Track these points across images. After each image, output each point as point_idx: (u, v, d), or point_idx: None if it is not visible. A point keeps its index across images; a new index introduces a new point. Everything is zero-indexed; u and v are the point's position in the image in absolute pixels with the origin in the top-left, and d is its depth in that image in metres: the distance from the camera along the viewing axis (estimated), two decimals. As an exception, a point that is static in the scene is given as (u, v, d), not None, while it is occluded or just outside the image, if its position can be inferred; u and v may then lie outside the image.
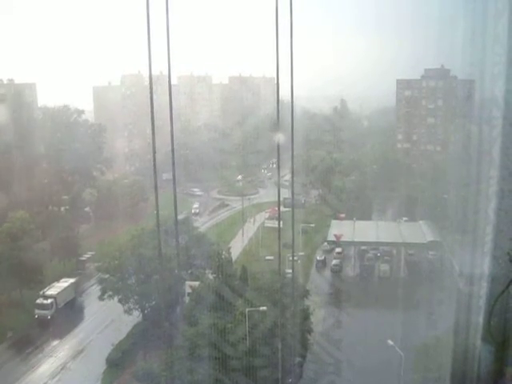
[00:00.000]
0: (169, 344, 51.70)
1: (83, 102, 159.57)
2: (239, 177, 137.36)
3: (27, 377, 58.60)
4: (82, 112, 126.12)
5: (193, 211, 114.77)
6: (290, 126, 30.57)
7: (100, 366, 57.85)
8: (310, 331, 54.55)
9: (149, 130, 39.95)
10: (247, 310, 48.22)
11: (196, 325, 50.22)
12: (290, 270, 58.58)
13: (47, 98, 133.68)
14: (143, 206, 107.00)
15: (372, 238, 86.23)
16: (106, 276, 68.68)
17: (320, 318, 62.68)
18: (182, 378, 44.23)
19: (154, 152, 22.30)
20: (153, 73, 25.62)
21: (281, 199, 75.42)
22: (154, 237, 63.40)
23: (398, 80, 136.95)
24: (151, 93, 23.94)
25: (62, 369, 59.75)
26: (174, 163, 21.85)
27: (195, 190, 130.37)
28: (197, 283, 62.07)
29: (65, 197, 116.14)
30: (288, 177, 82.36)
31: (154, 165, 20.94)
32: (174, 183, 20.96)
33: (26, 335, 66.86)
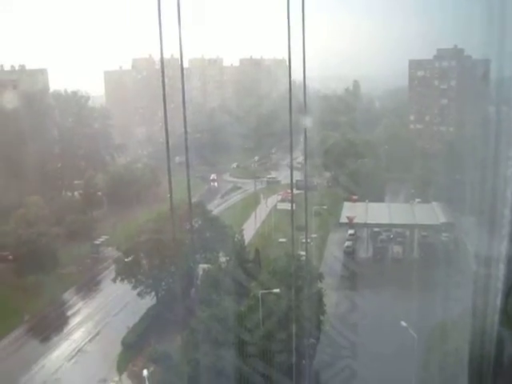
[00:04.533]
0: (182, 327, 52.06)
1: (95, 87, 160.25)
2: (256, 158, 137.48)
3: (44, 359, 59.36)
4: (92, 97, 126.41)
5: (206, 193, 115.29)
6: (302, 107, 30.20)
7: (115, 349, 58.33)
8: (323, 313, 54.64)
9: (161, 114, 39.77)
10: (260, 292, 48.34)
11: (209, 307, 50.46)
12: (304, 252, 58.62)
13: (59, 83, 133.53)
14: (156, 190, 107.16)
15: (385, 220, 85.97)
16: (121, 259, 69.12)
17: (333, 299, 62.67)
18: (195, 361, 44.47)
19: (167, 135, 22.19)
20: (164, 56, 25.44)
21: (293, 181, 75.57)
22: (168, 220, 63.69)
23: (410, 60, 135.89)
24: (163, 76, 23.74)
25: (78, 351, 60.41)
26: (186, 146, 21.74)
27: (208, 172, 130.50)
28: (209, 266, 62.38)
29: (77, 182, 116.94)
30: (301, 159, 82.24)
31: (167, 148, 20.85)
32: (187, 166, 20.87)
33: (42, 318, 67.50)
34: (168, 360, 49.51)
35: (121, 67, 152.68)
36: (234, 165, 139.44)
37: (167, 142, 23.64)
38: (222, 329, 46.82)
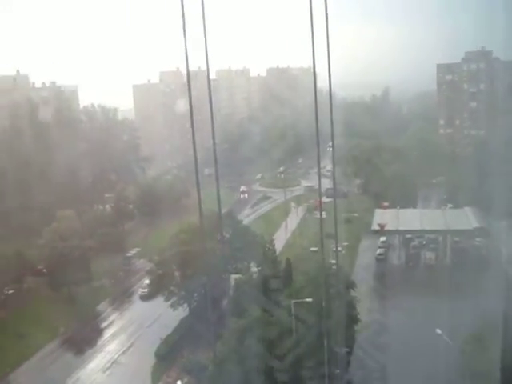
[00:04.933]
0: (215, 337, 52.11)
1: (123, 101, 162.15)
2: (280, 169, 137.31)
3: (79, 371, 59.96)
4: (121, 111, 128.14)
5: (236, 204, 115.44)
6: (330, 115, 30.20)
7: (149, 360, 58.60)
8: (356, 321, 54.11)
9: (189, 126, 40.08)
10: (292, 301, 48.16)
11: (242, 318, 50.42)
12: (335, 261, 58.21)
13: (89, 98, 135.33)
14: (186, 202, 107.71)
15: (416, 226, 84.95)
16: (153, 271, 69.64)
17: (366, 307, 62.07)
18: (229, 371, 44.47)
19: (195, 148, 22.46)
20: (191, 68, 25.69)
21: (323, 190, 75.24)
22: (199, 231, 63.92)
23: (438, 65, 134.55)
24: (189, 89, 24.01)
25: (112, 363, 60.87)
26: (215, 158, 22.01)
27: (237, 183, 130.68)
28: (241, 276, 62.38)
29: (108, 195, 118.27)
30: (330, 167, 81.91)
31: (195, 160, 21.11)
32: (217, 177, 21.12)
33: (76, 331, 68.17)
34: (201, 371, 49.53)
35: (149, 81, 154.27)
36: (259, 176, 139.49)
37: (195, 154, 23.86)
38: (254, 339, 46.74)
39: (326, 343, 41.54)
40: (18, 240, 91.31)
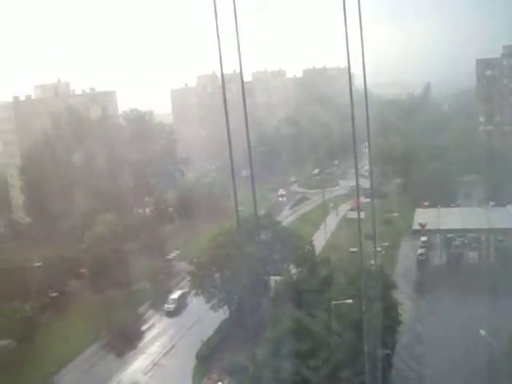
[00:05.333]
0: (256, 339, 52.11)
1: (162, 105, 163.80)
2: (315, 171, 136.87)
3: (121, 373, 60.71)
4: (160, 116, 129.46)
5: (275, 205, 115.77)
6: (370, 114, 29.94)
7: (190, 362, 58.91)
8: (398, 323, 53.39)
9: (233, 130, 40.20)
10: (333, 303, 47.82)
11: (282, 320, 50.28)
12: (376, 261, 57.59)
13: (127, 103, 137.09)
14: (226, 204, 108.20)
15: (458, 225, 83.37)
16: (194, 273, 69.99)
17: (408, 308, 61.30)
18: (269, 373, 44.42)
19: (231, 150, 22.56)
20: (227, 71, 25.82)
21: (362, 190, 74.61)
22: (238, 233, 64.07)
23: (477, 60, 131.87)
24: (224, 92, 24.17)
25: (154, 365, 61.43)
26: (250, 160, 22.03)
27: (275, 185, 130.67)
28: (281, 277, 62.24)
29: (148, 198, 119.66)
30: (368, 167, 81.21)
31: (232, 163, 21.20)
32: (252, 180, 21.10)
33: (118, 333, 69.02)
34: (242, 373, 49.58)
35: (186, 85, 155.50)
36: (294, 178, 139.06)
37: (231, 157, 23.93)
38: (294, 341, 46.56)
39: (366, 345, 41.06)
40: (61, 243, 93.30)
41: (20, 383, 59.38)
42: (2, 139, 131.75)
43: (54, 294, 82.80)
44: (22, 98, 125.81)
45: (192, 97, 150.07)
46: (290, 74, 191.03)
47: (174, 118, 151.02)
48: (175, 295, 77.00)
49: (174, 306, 74.97)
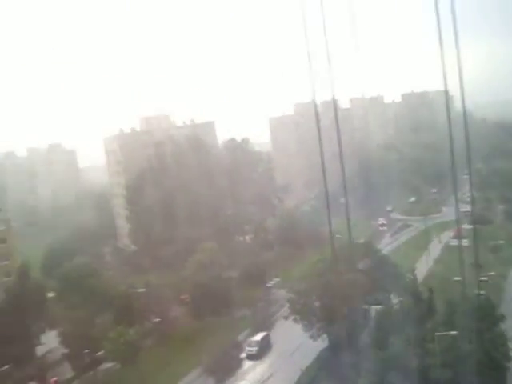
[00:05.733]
0: (357, 370, 50.98)
1: (260, 134, 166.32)
2: (412, 199, 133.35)
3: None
4: (259, 144, 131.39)
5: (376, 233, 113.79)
6: (469, 138, 28.87)
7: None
8: (509, 359, 50.11)
9: (326, 156, 40.03)
10: (436, 334, 45.98)
11: (384, 350, 48.94)
12: (482, 291, 55.02)
13: (226, 133, 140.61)
14: (324, 232, 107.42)
15: None
16: (293, 300, 69.63)
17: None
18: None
19: (325, 178, 22.49)
20: (324, 98, 25.81)
21: (464, 216, 71.65)
22: (338, 262, 63.31)
23: None
24: (317, 120, 24.20)
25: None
26: (345, 187, 21.82)
27: (375, 212, 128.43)
28: (381, 307, 60.72)
29: (248, 226, 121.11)
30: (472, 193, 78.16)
31: (326, 191, 21.09)
32: (347, 206, 20.88)
33: (218, 359, 69.60)
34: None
35: (284, 113, 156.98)
36: (389, 208, 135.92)
37: (325, 185, 23.94)
38: (397, 373, 45.15)
39: (474, 380, 39.10)
40: (164, 270, 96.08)
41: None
42: (108, 170, 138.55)
43: (157, 320, 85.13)
44: (127, 131, 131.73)
45: (290, 125, 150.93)
46: (388, 100, 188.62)
47: (272, 146, 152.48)
48: (258, 337, 73.48)
49: (256, 348, 71.43)
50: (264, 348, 71.42)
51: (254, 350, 71.07)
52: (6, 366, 75.11)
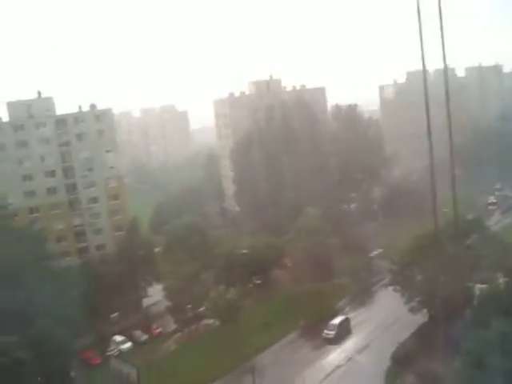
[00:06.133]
0: (456, 349, 49.57)
1: (370, 101, 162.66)
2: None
3: (316, 363, 61.85)
4: (369, 112, 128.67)
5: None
6: None
7: (384, 362, 57.87)
8: None
9: (436, 125, 38.57)
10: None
11: (486, 331, 47.10)
12: None
13: (336, 99, 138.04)
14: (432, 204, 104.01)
15: None
16: (395, 271, 68.56)
17: None
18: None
19: (431, 149, 21.53)
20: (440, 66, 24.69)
21: None
22: (445, 235, 61.46)
23: None
24: (425, 88, 23.17)
25: (348, 360, 61.48)
26: (452, 160, 20.78)
27: (485, 187, 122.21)
28: (487, 286, 58.49)
29: (353, 194, 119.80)
30: None
31: (431, 162, 20.17)
32: (453, 179, 19.93)
33: (316, 324, 70.13)
34: (438, 382, 47.49)
35: (395, 81, 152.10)
36: (500, 185, 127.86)
37: (431, 157, 22.87)
38: (498, 355, 43.39)
39: None
40: (267, 233, 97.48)
41: (219, 359, 63.60)
42: (217, 132, 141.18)
43: (258, 281, 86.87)
44: (237, 94, 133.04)
45: (401, 93, 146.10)
46: (507, 69, 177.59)
47: (381, 114, 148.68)
48: (336, 321, 70.48)
49: (333, 332, 68.36)
50: (342, 333, 68.43)
51: (331, 334, 68.29)
52: (115, 314, 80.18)
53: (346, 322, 70.66)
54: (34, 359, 56.87)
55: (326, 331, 68.51)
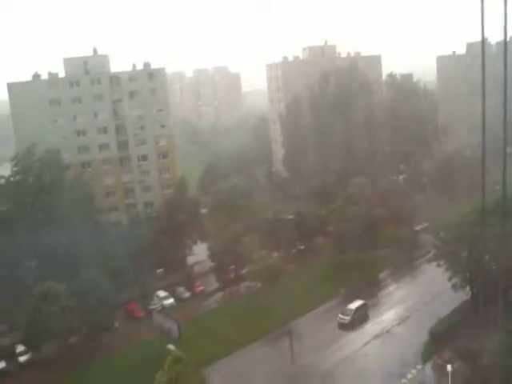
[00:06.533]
0: (497, 328, 49.18)
1: (426, 72, 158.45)
2: None
3: (354, 333, 62.26)
4: (425, 83, 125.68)
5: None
6: None
7: (422, 337, 57.81)
8: None
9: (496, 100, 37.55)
10: None
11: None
12: None
13: (391, 67, 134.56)
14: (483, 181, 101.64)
15: None
16: (440, 247, 67.69)
17: None
18: (507, 366, 41.68)
19: (483, 126, 21.08)
20: (498, 38, 24.02)
21: None
22: (493, 213, 60.37)
23: None
24: (483, 60, 22.59)
25: (386, 332, 61.62)
26: (505, 137, 20.24)
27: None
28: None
29: (402, 166, 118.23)
30: None
31: (483, 137, 19.73)
32: (505, 156, 19.43)
33: (356, 293, 70.40)
34: (476, 360, 47.19)
35: (454, 52, 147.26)
36: None
37: (483, 132, 22.37)
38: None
39: None
40: (313, 200, 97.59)
41: (258, 321, 64.99)
42: (269, 96, 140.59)
43: (301, 247, 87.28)
44: (291, 59, 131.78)
45: (459, 64, 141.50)
46: None
47: (437, 86, 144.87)
48: (353, 305, 66.30)
49: (348, 318, 64.79)
50: (358, 318, 64.92)
51: (346, 319, 64.92)
52: (160, 270, 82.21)
53: (364, 307, 66.81)
54: (80, 308, 59.23)
55: (340, 315, 65.29)
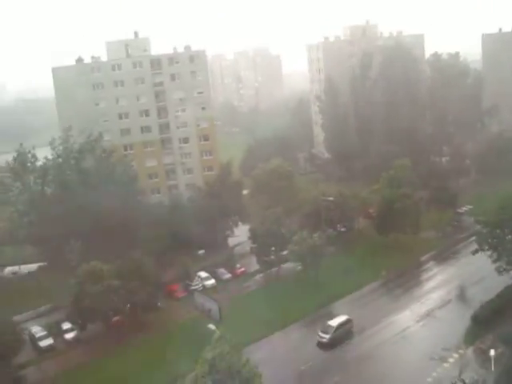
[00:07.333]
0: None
1: (471, 52, 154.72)
2: None
3: (394, 316, 61.80)
4: (469, 61, 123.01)
5: None
6: None
7: (464, 321, 57.06)
8: None
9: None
10: None
11: None
12: None
13: (435, 47, 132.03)
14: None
15: None
16: (484, 230, 66.45)
17: None
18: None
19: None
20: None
21: None
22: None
23: None
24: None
25: (427, 315, 61.08)
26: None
27: None
28: None
29: (446, 148, 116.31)
30: None
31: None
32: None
33: (398, 276, 69.89)
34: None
35: (500, 29, 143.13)
36: None
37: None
38: None
39: None
40: (355, 181, 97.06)
41: (298, 302, 65.26)
42: (310, 77, 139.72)
43: (343, 229, 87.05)
44: (331, 39, 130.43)
45: (505, 43, 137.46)
46: None
47: (482, 64, 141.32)
48: (335, 322, 58.28)
49: (328, 336, 56.88)
50: (339, 337, 57.13)
51: (325, 337, 57.10)
52: (201, 251, 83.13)
53: (347, 323, 58.81)
54: (124, 288, 60.52)
55: (319, 333, 57.61)
